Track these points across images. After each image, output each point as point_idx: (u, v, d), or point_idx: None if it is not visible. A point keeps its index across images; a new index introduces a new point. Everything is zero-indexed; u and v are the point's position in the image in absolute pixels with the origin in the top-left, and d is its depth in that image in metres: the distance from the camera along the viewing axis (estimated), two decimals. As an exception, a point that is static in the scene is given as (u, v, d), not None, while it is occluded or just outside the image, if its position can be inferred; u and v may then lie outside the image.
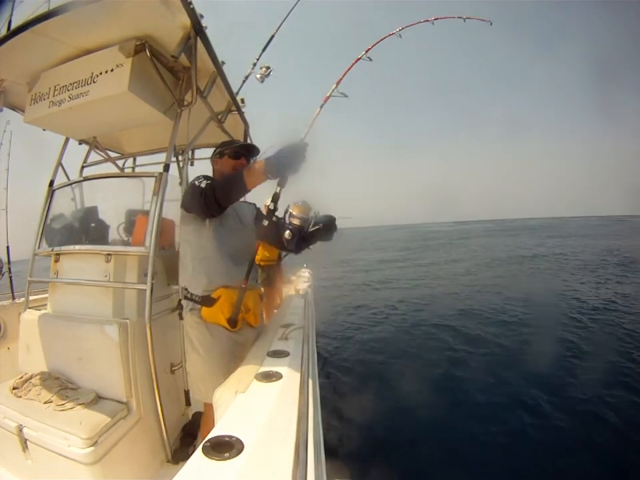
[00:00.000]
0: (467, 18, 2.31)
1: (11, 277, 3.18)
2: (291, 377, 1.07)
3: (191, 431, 1.83)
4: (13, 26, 1.54)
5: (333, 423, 2.78)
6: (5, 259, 3.29)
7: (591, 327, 5.51)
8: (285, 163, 1.26)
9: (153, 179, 1.74)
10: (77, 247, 1.86)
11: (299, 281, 4.24)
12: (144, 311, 1.57)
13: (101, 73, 1.60)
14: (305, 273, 4.79)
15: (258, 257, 3.44)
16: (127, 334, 1.56)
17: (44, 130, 2.01)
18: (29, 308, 1.92)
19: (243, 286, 1.46)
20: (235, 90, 2.23)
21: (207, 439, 0.71)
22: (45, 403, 1.44)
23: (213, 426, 0.79)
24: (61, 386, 1.53)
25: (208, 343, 1.49)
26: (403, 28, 2.08)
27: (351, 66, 1.84)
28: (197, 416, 1.87)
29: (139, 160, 2.86)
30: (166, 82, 1.71)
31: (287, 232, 1.51)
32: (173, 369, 1.89)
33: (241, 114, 2.46)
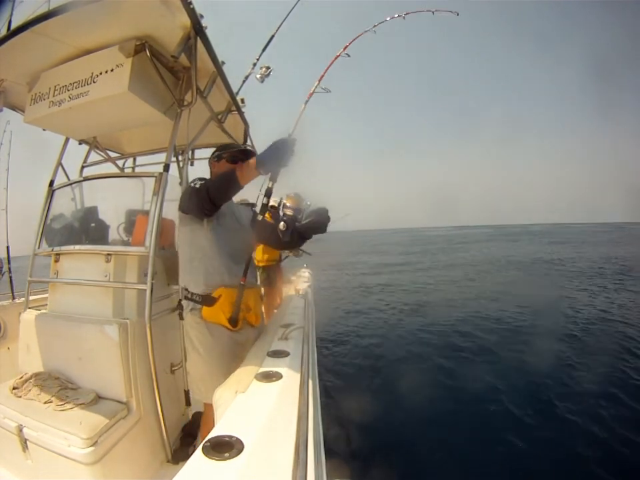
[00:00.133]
0: (435, 11, 2.43)
1: (11, 277, 3.18)
2: (290, 377, 1.07)
3: (191, 431, 1.83)
4: (13, 26, 1.54)
5: (333, 423, 2.78)
6: (5, 259, 3.29)
7: (586, 335, 5.51)
8: (275, 158, 1.32)
9: (153, 178, 1.74)
10: (77, 247, 1.86)
11: (298, 281, 4.24)
12: (144, 311, 1.57)
13: (100, 73, 1.59)
14: (305, 273, 4.80)
15: (258, 258, 3.45)
16: (126, 334, 1.56)
17: (44, 130, 2.01)
18: (29, 308, 1.92)
19: (242, 283, 1.47)
20: (235, 90, 2.23)
21: (207, 438, 0.71)
22: (45, 403, 1.44)
23: (213, 426, 0.79)
24: (61, 386, 1.53)
25: (208, 342, 1.49)
26: (377, 25, 2.20)
27: (331, 63, 1.95)
28: (197, 416, 1.87)
29: (139, 160, 2.85)
30: (166, 82, 1.71)
31: (282, 223, 1.53)
32: (173, 369, 1.89)
33: (241, 114, 2.46)
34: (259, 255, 3.46)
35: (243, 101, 2.43)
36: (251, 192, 1.57)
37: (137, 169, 2.87)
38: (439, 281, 11.85)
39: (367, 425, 3.03)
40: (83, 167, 2.39)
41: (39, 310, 1.88)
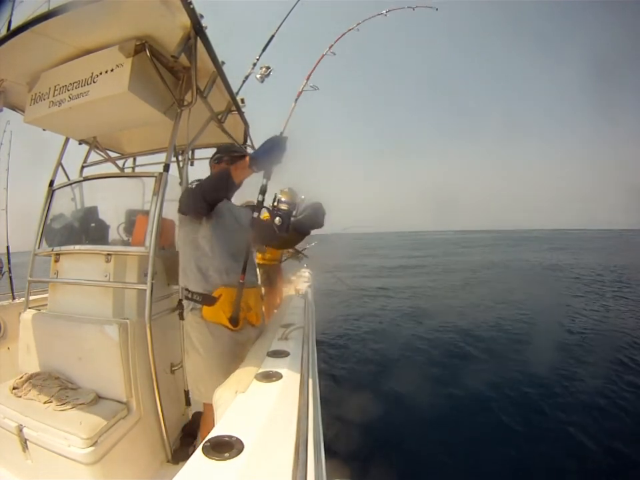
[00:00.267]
0: (415, 7, 2.47)
1: (11, 277, 3.17)
2: (290, 376, 1.07)
3: (190, 431, 1.83)
4: (13, 26, 1.54)
5: (333, 423, 2.78)
6: (5, 259, 3.29)
7: (583, 342, 5.51)
8: (267, 156, 1.35)
9: (153, 178, 1.74)
10: (77, 247, 1.86)
11: (299, 281, 4.25)
12: (144, 311, 1.57)
13: (101, 73, 1.59)
14: (305, 273, 4.80)
15: (259, 257, 3.46)
16: (127, 334, 1.56)
17: (44, 130, 2.01)
18: (29, 308, 1.92)
19: (241, 281, 1.48)
20: (235, 90, 2.23)
21: (207, 438, 0.71)
22: (45, 402, 1.44)
23: (213, 426, 0.79)
24: (60, 386, 1.53)
25: (209, 342, 1.49)
26: (360, 23, 2.26)
27: (318, 61, 2.00)
28: (197, 416, 1.87)
29: (139, 160, 2.85)
30: (166, 82, 1.71)
31: (277, 218, 1.53)
32: (173, 369, 1.89)
33: (241, 114, 2.46)
34: (262, 253, 3.48)
35: (242, 100, 2.43)
36: (254, 194, 1.58)
37: (137, 169, 2.87)
38: (438, 285, 11.85)
39: (367, 424, 3.04)
40: (82, 167, 2.39)
41: (39, 310, 1.88)
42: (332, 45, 2.06)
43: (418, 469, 2.67)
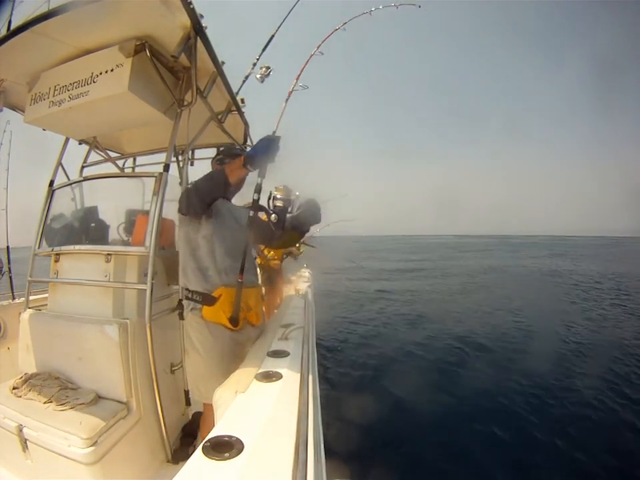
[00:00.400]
0: (399, 5, 2.50)
1: (10, 277, 3.17)
2: (290, 376, 1.07)
3: (190, 431, 1.83)
4: (13, 26, 1.54)
5: (333, 423, 2.78)
6: (5, 259, 3.29)
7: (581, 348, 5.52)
8: (261, 154, 1.38)
9: (153, 178, 1.74)
10: (77, 247, 1.86)
11: (299, 281, 4.25)
12: (144, 311, 1.57)
13: (101, 73, 1.59)
14: (305, 273, 4.80)
15: (263, 256, 3.47)
16: (127, 334, 1.56)
17: (44, 130, 2.01)
18: (29, 308, 1.92)
19: (239, 280, 1.48)
20: (235, 90, 2.23)
21: (207, 438, 0.71)
22: (45, 403, 1.44)
23: (213, 426, 0.79)
24: (60, 386, 1.53)
25: (208, 343, 1.49)
26: (346, 22, 2.31)
27: (307, 61, 2.05)
28: (197, 416, 1.87)
29: (139, 160, 2.85)
30: (166, 82, 1.71)
31: (273, 215, 1.55)
32: (173, 368, 1.89)
33: (241, 114, 2.46)
34: (264, 253, 3.49)
35: (242, 100, 2.42)
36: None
37: (137, 169, 2.86)
38: (435, 288, 11.87)
39: (367, 424, 3.04)
40: (82, 167, 2.39)
41: (39, 310, 1.89)
42: (319, 45, 2.10)
43: (417, 468, 2.67)
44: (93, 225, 2.07)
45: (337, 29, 2.27)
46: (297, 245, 4.13)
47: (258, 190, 1.55)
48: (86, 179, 2.25)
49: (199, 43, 1.57)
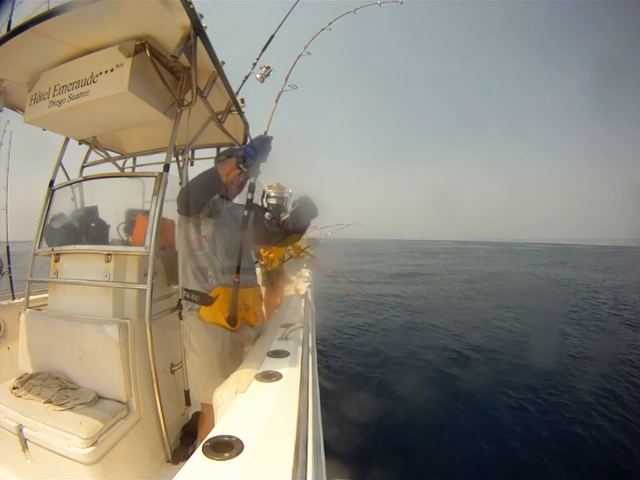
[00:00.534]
0: (382, 2, 2.54)
1: (10, 277, 3.17)
2: (290, 377, 1.07)
3: (190, 431, 1.83)
4: (13, 26, 1.54)
5: (333, 423, 2.78)
6: (5, 259, 3.28)
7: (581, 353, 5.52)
8: (252, 154, 1.40)
9: (153, 178, 1.74)
10: (77, 246, 1.86)
11: (299, 281, 4.25)
12: (144, 311, 1.57)
13: (100, 73, 1.59)
14: (305, 273, 4.80)
15: (264, 255, 3.48)
16: (127, 334, 1.56)
17: (44, 130, 2.01)
18: (29, 308, 1.92)
19: (236, 280, 1.48)
20: (235, 90, 2.23)
21: (207, 438, 0.71)
22: (45, 403, 1.44)
23: (212, 426, 0.79)
24: (60, 386, 1.53)
25: (206, 343, 1.49)
26: (331, 22, 2.36)
27: (295, 62, 2.09)
28: (197, 416, 1.87)
29: (139, 160, 2.85)
30: (166, 82, 1.71)
31: (267, 213, 1.56)
32: (173, 369, 1.89)
33: (241, 114, 2.46)
34: (265, 253, 3.50)
35: (242, 101, 2.42)
36: (256, 197, 1.60)
37: (137, 169, 2.86)
38: (435, 294, 11.88)
39: (367, 424, 3.04)
40: (82, 167, 2.39)
41: (39, 310, 1.89)
42: (306, 45, 2.14)
43: (417, 468, 2.67)
44: (93, 224, 2.07)
45: (323, 29, 2.31)
46: (298, 253, 4.16)
47: (251, 190, 1.57)
48: (86, 178, 2.24)
49: (199, 43, 1.56)
